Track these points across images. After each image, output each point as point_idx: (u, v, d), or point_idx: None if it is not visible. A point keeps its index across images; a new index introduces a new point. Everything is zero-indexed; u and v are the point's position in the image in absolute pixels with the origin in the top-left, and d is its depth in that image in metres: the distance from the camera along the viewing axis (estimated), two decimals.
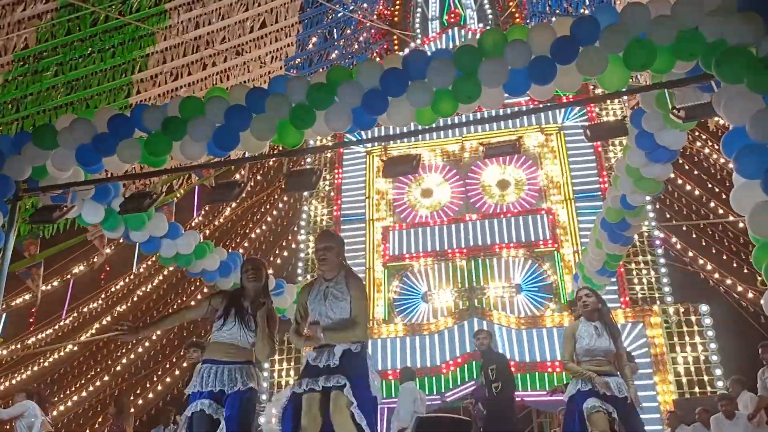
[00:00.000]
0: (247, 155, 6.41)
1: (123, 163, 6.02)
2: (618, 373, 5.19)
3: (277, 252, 16.78)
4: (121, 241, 13.69)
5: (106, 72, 14.89)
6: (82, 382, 15.62)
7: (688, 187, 14.53)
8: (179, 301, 16.69)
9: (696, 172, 14.81)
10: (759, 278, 4.32)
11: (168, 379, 15.13)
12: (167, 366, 15.65)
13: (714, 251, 13.84)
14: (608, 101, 13.03)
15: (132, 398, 13.66)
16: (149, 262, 15.88)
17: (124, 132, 5.79)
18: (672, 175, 13.92)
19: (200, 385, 4.09)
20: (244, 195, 16.52)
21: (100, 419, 14.66)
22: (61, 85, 14.76)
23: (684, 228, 14.28)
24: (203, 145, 5.69)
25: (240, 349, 4.20)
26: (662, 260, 11.94)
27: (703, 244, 14.03)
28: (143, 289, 16.22)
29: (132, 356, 15.96)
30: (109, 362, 15.85)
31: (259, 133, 5.50)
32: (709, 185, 14.32)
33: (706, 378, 10.15)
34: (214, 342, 4.24)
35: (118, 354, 15.96)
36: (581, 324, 5.30)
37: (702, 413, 8.48)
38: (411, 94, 5.33)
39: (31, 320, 14.83)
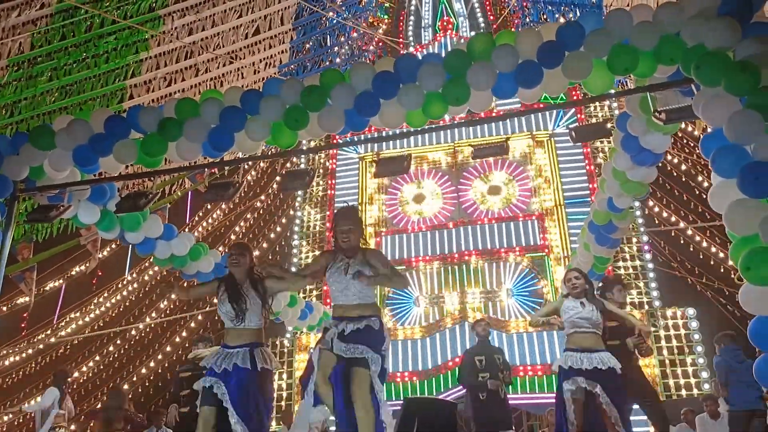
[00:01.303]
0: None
1: (119, 164, 6.12)
2: (604, 348, 5.35)
3: (270, 257, 16.86)
4: (115, 244, 13.80)
5: (100, 77, 14.98)
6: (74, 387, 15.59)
7: (677, 193, 14.74)
8: (172, 307, 16.72)
9: (684, 179, 15.01)
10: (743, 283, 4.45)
11: (160, 384, 15.14)
12: (159, 370, 15.67)
13: (701, 256, 14.04)
14: (598, 109, 13.26)
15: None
16: (142, 267, 15.93)
17: (121, 132, 5.89)
18: (660, 181, 14.18)
19: (212, 365, 4.38)
20: (236, 200, 16.71)
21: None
22: (56, 90, 14.84)
23: (672, 233, 14.46)
24: (198, 146, 5.80)
25: (242, 333, 4.43)
26: (650, 265, 12.11)
27: (691, 249, 14.21)
28: (136, 294, 16.25)
29: (124, 361, 16.01)
30: (97, 359, 15.84)
31: (253, 134, 5.62)
32: (697, 192, 14.53)
33: (693, 380, 10.30)
34: (225, 329, 4.54)
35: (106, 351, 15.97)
36: (567, 300, 5.47)
37: (688, 413, 8.64)
38: (402, 96, 5.46)
39: (23, 324, 14.85)
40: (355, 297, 4.30)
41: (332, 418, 4.40)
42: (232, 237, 17.51)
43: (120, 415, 8.24)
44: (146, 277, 16.35)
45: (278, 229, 17.21)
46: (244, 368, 4.27)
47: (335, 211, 4.70)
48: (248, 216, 17.66)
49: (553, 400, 5.64)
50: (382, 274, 4.34)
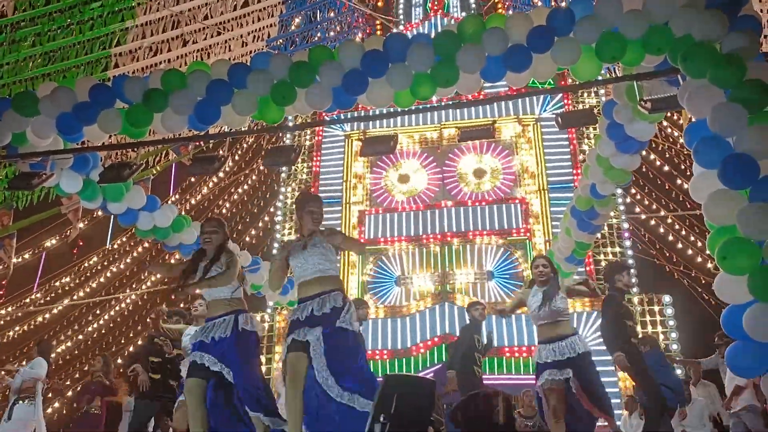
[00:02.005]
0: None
1: (103, 133, 6.07)
2: (573, 332, 5.47)
3: (252, 232, 16.82)
4: (96, 214, 13.69)
5: (85, 44, 14.71)
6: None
7: (659, 182, 14.88)
8: (152, 279, 16.65)
9: (667, 168, 15.14)
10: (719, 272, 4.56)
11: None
12: (139, 341, 15.65)
13: (680, 245, 14.23)
14: (585, 96, 13.31)
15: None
16: (124, 238, 15.82)
17: (105, 102, 5.85)
18: (644, 169, 14.30)
19: (199, 336, 4.45)
20: (221, 174, 16.61)
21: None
22: (39, 56, 14.56)
23: (652, 221, 14.63)
24: (184, 118, 5.77)
25: (218, 303, 4.50)
26: (630, 252, 12.27)
27: (670, 238, 14.40)
28: (117, 265, 16.16)
29: (104, 332, 15.97)
30: (77, 328, 15.79)
31: (240, 108, 5.60)
32: (679, 181, 14.69)
33: None
34: (207, 303, 4.66)
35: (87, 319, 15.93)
36: (533, 290, 5.60)
37: None
38: (390, 76, 5.47)
39: (1, 292, 14.73)
40: (313, 271, 4.31)
41: None
42: (216, 211, 17.44)
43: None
44: (128, 248, 16.27)
45: (261, 204, 17.16)
46: (229, 336, 4.34)
47: (302, 193, 4.74)
48: (232, 190, 17.56)
49: (529, 382, 5.79)
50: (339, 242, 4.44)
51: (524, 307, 5.82)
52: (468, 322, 8.17)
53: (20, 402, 7.57)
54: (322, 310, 4.14)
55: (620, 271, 6.22)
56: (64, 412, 13.06)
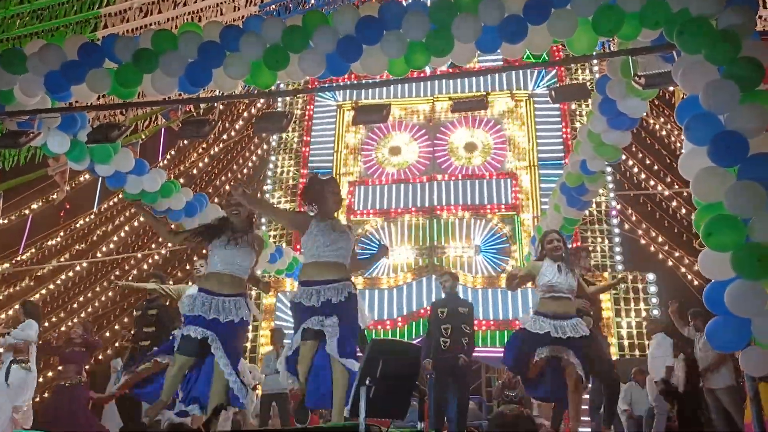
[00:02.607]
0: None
1: (92, 93, 5.99)
2: (575, 314, 5.42)
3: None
4: (83, 178, 13.56)
5: (74, 3, 14.42)
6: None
7: (648, 162, 14.91)
8: (140, 243, 16.60)
9: (657, 147, 15.17)
10: (704, 249, 4.60)
11: (125, 320, 15.12)
12: (125, 307, 15.65)
13: (666, 224, 14.33)
14: (579, 73, 13.27)
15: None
16: (111, 203, 15.71)
17: (94, 61, 5.75)
18: (633, 149, 14.33)
19: (193, 311, 4.37)
20: (210, 141, 16.45)
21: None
22: (27, 14, 14.27)
23: (641, 200, 14.71)
24: (175, 80, 5.70)
25: (233, 279, 4.44)
26: (616, 230, 12.38)
27: (657, 217, 14.48)
28: (104, 228, 16.06)
29: (90, 295, 15.92)
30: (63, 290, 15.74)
31: (232, 71, 5.53)
32: (668, 160, 14.72)
33: (646, 342, 10.66)
34: (210, 273, 4.50)
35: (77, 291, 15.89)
36: (545, 262, 5.52)
37: (638, 373, 8.95)
38: (385, 43, 5.41)
39: None
40: (335, 255, 4.39)
41: None
42: (205, 177, 17.32)
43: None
44: (115, 212, 16.17)
45: (251, 171, 17.04)
46: (234, 320, 4.34)
47: (317, 175, 4.73)
48: (221, 156, 17.43)
49: None
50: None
51: (530, 280, 5.66)
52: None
53: (15, 365, 7.54)
54: (339, 297, 4.26)
55: (580, 253, 6.28)
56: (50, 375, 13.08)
